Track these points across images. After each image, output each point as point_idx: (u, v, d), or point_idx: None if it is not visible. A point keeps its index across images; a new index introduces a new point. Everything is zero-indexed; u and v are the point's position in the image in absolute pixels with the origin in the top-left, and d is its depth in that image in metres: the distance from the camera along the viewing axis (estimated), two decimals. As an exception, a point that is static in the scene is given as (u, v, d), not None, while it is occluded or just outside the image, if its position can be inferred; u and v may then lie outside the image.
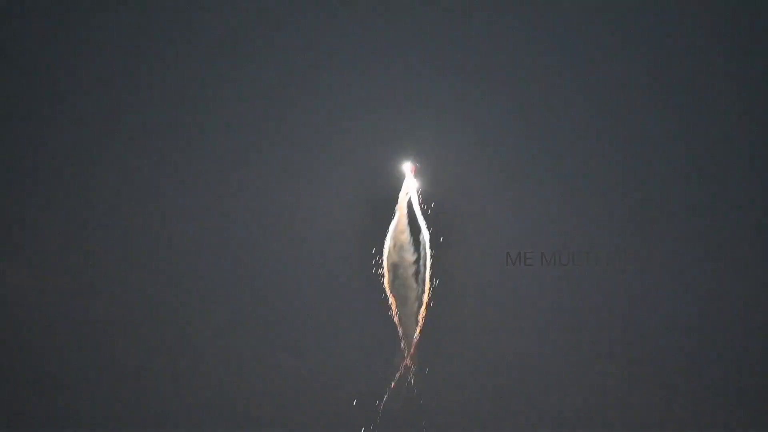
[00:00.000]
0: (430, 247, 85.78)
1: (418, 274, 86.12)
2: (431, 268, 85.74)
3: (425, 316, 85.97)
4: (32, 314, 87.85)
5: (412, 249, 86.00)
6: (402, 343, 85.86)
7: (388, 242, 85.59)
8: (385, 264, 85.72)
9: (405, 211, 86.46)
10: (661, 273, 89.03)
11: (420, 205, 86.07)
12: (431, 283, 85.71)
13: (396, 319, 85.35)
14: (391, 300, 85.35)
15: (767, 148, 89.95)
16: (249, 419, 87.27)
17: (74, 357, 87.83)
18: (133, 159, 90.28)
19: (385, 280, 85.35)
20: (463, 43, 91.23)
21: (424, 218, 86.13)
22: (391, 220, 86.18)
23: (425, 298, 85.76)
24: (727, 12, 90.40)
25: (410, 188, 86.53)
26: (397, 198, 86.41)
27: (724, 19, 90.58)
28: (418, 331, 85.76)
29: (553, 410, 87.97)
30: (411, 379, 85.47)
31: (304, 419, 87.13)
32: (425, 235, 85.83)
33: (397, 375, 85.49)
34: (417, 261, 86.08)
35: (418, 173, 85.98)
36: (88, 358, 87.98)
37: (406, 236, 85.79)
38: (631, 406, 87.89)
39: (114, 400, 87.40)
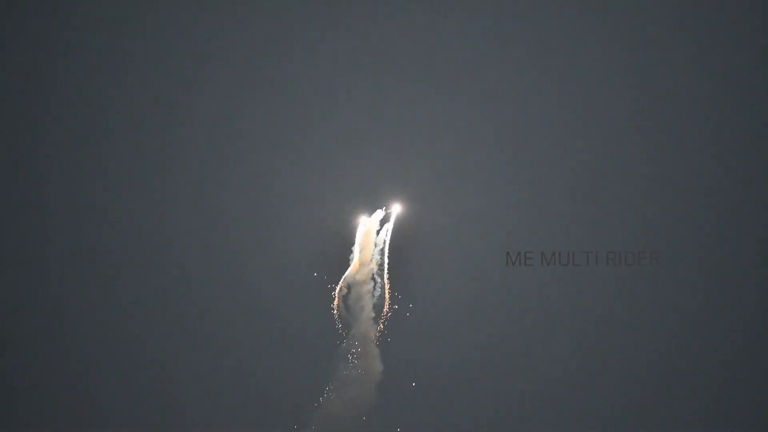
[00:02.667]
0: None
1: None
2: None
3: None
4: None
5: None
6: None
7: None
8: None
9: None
10: (661, 273, 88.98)
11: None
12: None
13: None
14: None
15: None
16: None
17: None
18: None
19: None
20: (465, 41, 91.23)
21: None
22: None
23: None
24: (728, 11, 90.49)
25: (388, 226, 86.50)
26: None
27: (726, 18, 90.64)
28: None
29: (553, 410, 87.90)
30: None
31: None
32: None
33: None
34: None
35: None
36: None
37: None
38: (631, 407, 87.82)
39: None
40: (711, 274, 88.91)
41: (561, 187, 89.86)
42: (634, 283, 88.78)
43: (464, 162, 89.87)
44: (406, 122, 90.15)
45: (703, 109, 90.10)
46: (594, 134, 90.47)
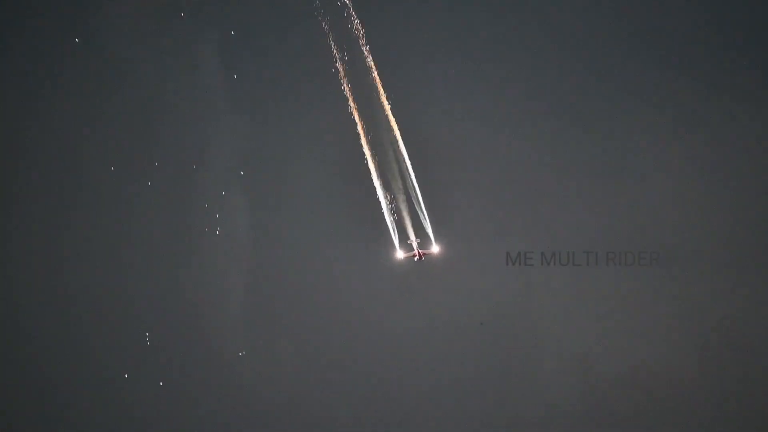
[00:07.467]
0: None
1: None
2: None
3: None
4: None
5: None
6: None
7: None
8: None
9: None
10: (661, 273, 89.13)
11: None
12: None
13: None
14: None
15: None
16: None
17: None
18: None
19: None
20: (469, 38, 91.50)
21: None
22: None
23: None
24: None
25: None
26: None
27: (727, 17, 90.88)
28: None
29: (553, 409, 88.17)
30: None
31: None
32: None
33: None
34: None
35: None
36: None
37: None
38: (630, 406, 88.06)
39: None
40: (711, 274, 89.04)
41: (561, 187, 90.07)
42: (634, 283, 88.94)
43: (465, 163, 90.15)
44: (406, 122, 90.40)
45: (703, 110, 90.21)
46: (595, 135, 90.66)
